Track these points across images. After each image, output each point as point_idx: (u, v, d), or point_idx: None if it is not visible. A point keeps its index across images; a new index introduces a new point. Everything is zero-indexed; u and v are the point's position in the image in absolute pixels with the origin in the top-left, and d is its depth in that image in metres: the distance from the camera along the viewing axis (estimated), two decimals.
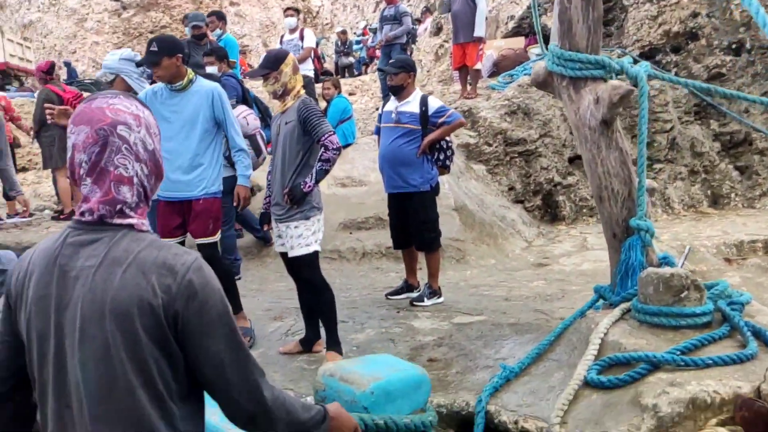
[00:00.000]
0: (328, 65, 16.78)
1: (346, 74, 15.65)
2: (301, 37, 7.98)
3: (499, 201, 7.25)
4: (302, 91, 3.59)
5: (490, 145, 7.73)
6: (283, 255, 3.68)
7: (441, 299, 4.63)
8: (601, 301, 3.41)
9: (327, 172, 3.51)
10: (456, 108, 6.87)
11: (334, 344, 3.55)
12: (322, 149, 3.44)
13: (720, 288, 3.15)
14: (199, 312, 1.29)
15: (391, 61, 4.74)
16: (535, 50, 9.19)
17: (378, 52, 10.67)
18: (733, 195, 7.56)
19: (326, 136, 3.41)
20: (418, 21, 13.64)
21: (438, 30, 12.09)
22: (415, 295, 4.71)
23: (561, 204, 7.58)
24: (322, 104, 7.24)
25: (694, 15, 7.97)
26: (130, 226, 1.34)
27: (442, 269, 4.90)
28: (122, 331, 1.26)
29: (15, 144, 8.44)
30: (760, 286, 4.88)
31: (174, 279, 1.28)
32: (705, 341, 2.69)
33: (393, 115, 4.60)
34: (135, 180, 1.35)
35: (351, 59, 16.58)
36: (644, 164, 3.22)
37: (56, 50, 19.14)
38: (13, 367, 1.42)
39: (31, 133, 7.80)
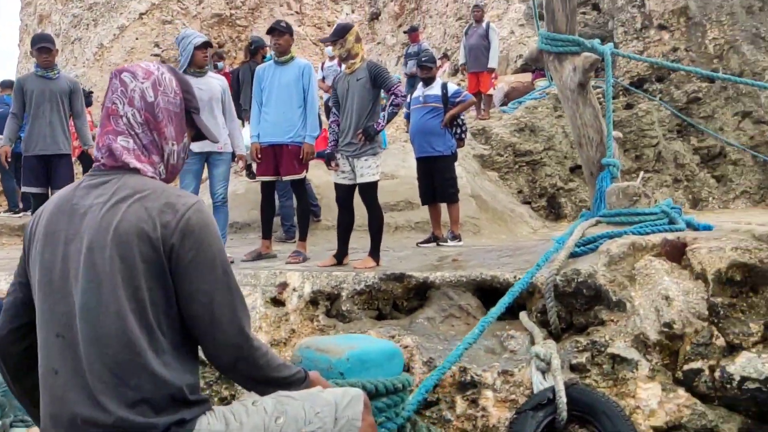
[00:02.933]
0: None
1: None
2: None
3: (509, 199, 8.48)
4: (366, 56, 4.75)
5: (501, 155, 9.03)
6: (340, 187, 4.69)
7: (461, 243, 5.81)
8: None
9: (396, 114, 4.65)
10: (471, 127, 8.22)
11: (375, 253, 4.50)
12: (392, 96, 4.50)
13: (666, 203, 4.34)
14: (195, 249, 1.33)
15: (424, 58, 6.10)
16: (540, 83, 10.62)
17: None
18: (710, 199, 8.75)
19: (396, 86, 4.54)
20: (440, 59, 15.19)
21: (455, 71, 13.63)
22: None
23: (563, 204, 8.79)
24: None
25: (674, 50, 9.40)
26: (136, 170, 1.44)
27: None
28: (121, 257, 1.31)
29: None
30: None
31: (174, 216, 1.34)
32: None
33: (421, 98, 6.01)
34: (124, 119, 1.44)
35: None
36: (611, 118, 4.46)
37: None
38: (27, 305, 1.49)
39: None
